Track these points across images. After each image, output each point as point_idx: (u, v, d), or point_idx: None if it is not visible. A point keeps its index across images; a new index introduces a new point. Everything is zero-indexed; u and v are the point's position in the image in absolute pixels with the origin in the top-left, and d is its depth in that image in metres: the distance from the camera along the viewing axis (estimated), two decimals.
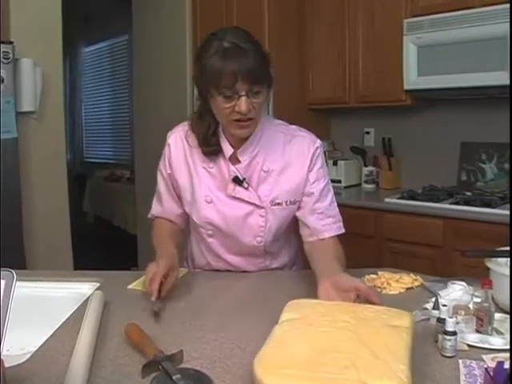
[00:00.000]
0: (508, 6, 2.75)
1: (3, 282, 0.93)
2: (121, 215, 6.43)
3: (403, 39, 3.31)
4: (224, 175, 1.70)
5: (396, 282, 1.65)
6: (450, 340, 1.14)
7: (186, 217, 1.82)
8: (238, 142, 1.67)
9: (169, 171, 1.78)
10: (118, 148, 7.46)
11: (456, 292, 1.44)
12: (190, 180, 1.73)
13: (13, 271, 0.95)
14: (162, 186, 1.83)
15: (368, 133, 4.13)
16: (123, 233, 6.24)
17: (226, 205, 1.70)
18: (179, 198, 1.81)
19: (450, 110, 3.61)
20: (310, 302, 1.28)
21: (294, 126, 1.80)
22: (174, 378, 1.01)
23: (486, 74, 2.94)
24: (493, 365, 0.93)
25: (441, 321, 1.19)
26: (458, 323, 1.23)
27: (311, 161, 1.72)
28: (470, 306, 1.35)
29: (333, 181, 3.79)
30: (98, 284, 1.70)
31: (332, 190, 1.79)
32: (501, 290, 1.36)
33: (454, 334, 1.14)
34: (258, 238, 1.74)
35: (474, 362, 1.11)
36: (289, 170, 1.71)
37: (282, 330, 1.13)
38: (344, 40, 3.75)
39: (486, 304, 1.26)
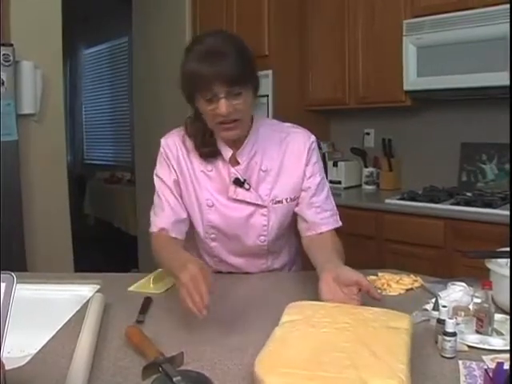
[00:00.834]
0: (508, 6, 2.75)
1: (3, 284, 0.94)
2: (121, 217, 6.43)
3: (403, 40, 3.31)
4: (223, 178, 1.69)
5: (396, 283, 1.65)
6: (449, 341, 1.14)
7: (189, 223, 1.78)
8: (235, 144, 1.67)
9: (175, 177, 1.71)
10: (118, 150, 7.46)
11: (456, 293, 1.44)
12: (190, 185, 1.71)
13: (13, 274, 0.95)
14: (166, 193, 1.71)
15: (368, 134, 4.13)
16: (124, 234, 6.25)
17: (227, 207, 1.70)
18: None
19: (450, 110, 3.61)
20: (311, 303, 1.28)
21: (288, 124, 1.80)
22: (174, 380, 1.01)
23: (486, 75, 2.94)
24: (493, 366, 0.93)
25: (441, 322, 1.19)
26: (457, 324, 1.23)
27: (307, 156, 1.73)
28: (470, 306, 1.35)
29: (333, 182, 3.84)
30: (99, 286, 1.71)
31: (327, 184, 1.81)
32: (501, 290, 1.36)
33: (453, 334, 1.14)
34: (262, 238, 1.74)
35: (473, 362, 1.11)
36: (287, 168, 1.72)
37: (283, 331, 1.13)
38: (344, 41, 3.75)
39: (486, 305, 1.26)
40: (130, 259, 5.25)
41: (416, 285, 1.66)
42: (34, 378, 1.08)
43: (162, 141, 1.75)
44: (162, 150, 1.74)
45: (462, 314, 1.32)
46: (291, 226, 1.83)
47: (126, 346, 1.23)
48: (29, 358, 1.18)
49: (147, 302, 1.54)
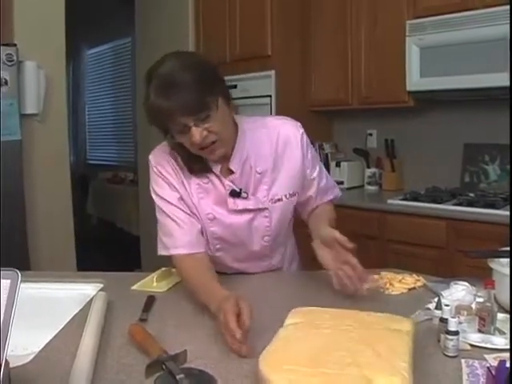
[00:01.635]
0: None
1: (8, 281, 0.94)
2: (124, 217, 6.43)
3: (406, 41, 3.31)
4: (219, 190, 1.66)
5: (399, 283, 1.65)
6: (452, 340, 1.14)
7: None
8: (223, 159, 1.62)
9: (177, 194, 1.65)
10: (121, 150, 7.46)
11: (458, 292, 1.44)
12: (189, 199, 1.66)
13: (17, 271, 0.95)
14: (174, 210, 1.65)
15: (371, 134, 4.13)
16: (126, 234, 6.25)
17: (229, 218, 1.67)
18: None
19: (452, 111, 3.61)
20: (314, 309, 1.29)
21: (269, 117, 1.80)
22: (177, 377, 1.02)
23: (488, 76, 2.94)
24: (495, 364, 0.93)
25: (443, 321, 1.19)
26: (460, 323, 1.24)
27: (302, 148, 1.71)
28: (473, 306, 1.35)
29: (336, 182, 3.83)
30: (102, 285, 1.71)
31: (321, 163, 1.86)
32: (503, 290, 1.36)
33: (456, 333, 1.15)
34: (266, 238, 1.74)
35: (476, 361, 1.12)
36: (282, 164, 1.69)
37: (287, 332, 1.14)
38: (346, 41, 3.75)
39: (488, 304, 1.26)
40: (132, 259, 5.25)
41: (418, 284, 1.66)
42: (38, 376, 1.09)
43: (152, 159, 1.69)
44: (154, 169, 1.67)
45: (465, 313, 1.32)
46: (291, 220, 1.84)
47: (130, 344, 1.24)
48: (32, 356, 1.19)
49: (150, 300, 1.55)
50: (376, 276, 1.72)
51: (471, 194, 3.20)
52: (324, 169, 1.86)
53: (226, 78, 1.60)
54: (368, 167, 3.97)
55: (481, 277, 1.45)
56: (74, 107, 7.95)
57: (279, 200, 1.70)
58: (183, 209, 1.65)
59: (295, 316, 1.22)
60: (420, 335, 1.20)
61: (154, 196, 1.68)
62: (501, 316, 1.31)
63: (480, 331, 1.25)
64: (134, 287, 1.71)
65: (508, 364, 0.88)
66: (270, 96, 3.85)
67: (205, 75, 1.46)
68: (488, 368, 0.94)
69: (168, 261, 1.92)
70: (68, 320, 1.42)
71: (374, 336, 1.09)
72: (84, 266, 3.62)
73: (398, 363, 0.96)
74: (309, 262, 1.67)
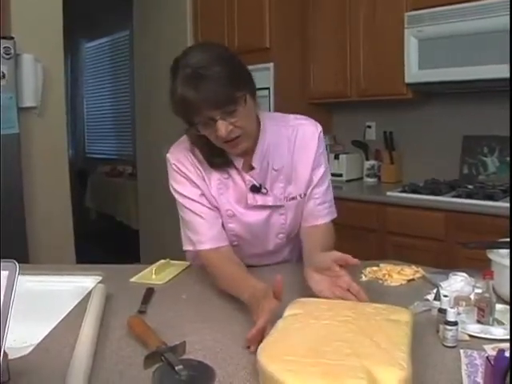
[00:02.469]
0: None
1: (6, 272, 0.94)
2: (123, 210, 6.43)
3: (404, 32, 3.30)
4: (239, 185, 1.65)
5: (397, 274, 1.65)
6: (451, 330, 1.15)
7: None
8: (244, 153, 1.61)
9: (198, 191, 1.64)
10: (119, 143, 7.45)
11: (457, 283, 1.44)
12: (210, 195, 1.65)
13: (16, 262, 0.95)
14: (197, 207, 1.64)
15: (369, 127, 4.12)
16: (125, 228, 6.25)
17: (247, 215, 1.67)
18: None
19: (451, 103, 3.61)
20: (313, 300, 1.29)
21: (292, 116, 1.75)
22: (176, 368, 1.02)
23: (487, 67, 2.94)
24: (494, 354, 0.93)
25: (442, 311, 1.19)
26: (459, 314, 1.24)
27: (316, 148, 1.69)
28: (472, 296, 1.36)
29: (334, 174, 3.84)
30: (101, 277, 1.71)
31: (329, 174, 1.79)
32: (502, 281, 1.37)
33: (455, 324, 1.15)
34: (280, 235, 1.75)
35: (475, 351, 1.12)
36: (298, 164, 1.68)
37: (286, 323, 1.14)
38: (345, 34, 3.74)
39: (487, 295, 1.26)
40: (131, 253, 5.26)
41: (417, 275, 1.66)
42: (37, 368, 1.09)
43: (171, 157, 1.66)
44: (173, 166, 1.65)
45: (464, 303, 1.33)
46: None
47: (128, 336, 1.24)
48: (31, 349, 1.19)
49: (149, 292, 1.55)
50: (375, 268, 1.72)
51: (470, 186, 3.20)
52: (330, 182, 1.79)
53: None
54: (367, 159, 3.98)
55: (480, 268, 1.45)
56: (73, 101, 7.94)
57: (294, 199, 1.70)
58: (205, 204, 1.64)
59: (294, 307, 1.22)
60: (419, 326, 1.20)
61: (174, 194, 1.67)
62: (499, 307, 1.31)
63: (479, 322, 1.25)
64: (133, 279, 1.71)
65: (507, 354, 0.88)
66: (269, 89, 3.84)
67: (234, 69, 1.45)
68: (487, 358, 0.94)
69: (167, 255, 1.93)
70: (67, 312, 1.42)
71: (373, 327, 1.08)
72: (83, 259, 3.62)
73: (396, 354, 0.96)
74: None
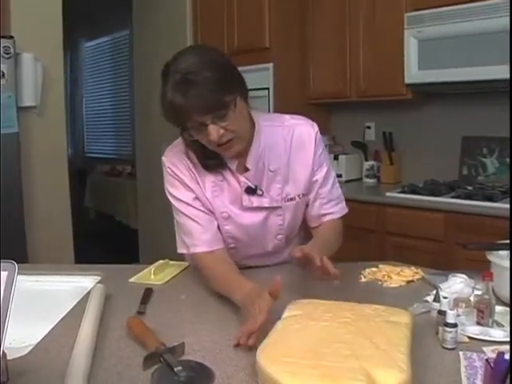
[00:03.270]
0: None
1: (5, 273, 0.94)
2: (122, 210, 6.43)
3: (404, 33, 3.30)
4: (234, 187, 1.65)
5: (397, 275, 1.65)
6: (450, 332, 1.15)
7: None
8: (239, 155, 1.60)
9: (193, 194, 1.64)
10: (119, 143, 7.45)
11: (457, 284, 1.44)
12: (204, 198, 1.64)
13: (14, 263, 0.95)
14: (191, 211, 1.64)
15: (369, 127, 4.12)
16: (124, 228, 6.25)
17: (243, 217, 1.67)
18: None
19: (451, 104, 3.60)
20: (312, 301, 1.28)
21: (287, 116, 1.75)
22: (175, 369, 1.02)
23: (487, 68, 2.93)
24: (493, 356, 0.93)
25: (441, 313, 1.19)
26: (458, 315, 1.24)
27: (314, 148, 1.69)
28: (471, 298, 1.35)
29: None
30: (100, 277, 1.71)
31: (333, 172, 1.80)
32: (502, 282, 1.37)
33: (454, 326, 1.15)
34: (279, 236, 1.74)
35: (474, 353, 1.12)
36: (295, 164, 1.68)
37: (285, 324, 1.14)
38: (345, 34, 3.74)
39: (486, 296, 1.26)
40: (130, 253, 5.25)
41: (417, 277, 1.66)
42: (35, 368, 1.09)
43: (166, 160, 1.67)
44: (168, 169, 1.65)
45: (463, 305, 1.33)
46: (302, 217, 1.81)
47: (127, 337, 1.24)
48: (30, 349, 1.18)
49: (148, 292, 1.55)
50: (374, 269, 1.72)
51: (469, 187, 3.20)
52: (334, 178, 1.80)
53: None
54: (366, 160, 3.97)
55: (479, 269, 1.45)
56: (72, 100, 7.93)
57: (292, 199, 1.70)
58: (199, 208, 1.64)
59: (293, 308, 1.22)
60: (418, 328, 1.20)
61: (169, 197, 1.67)
62: (499, 308, 1.31)
63: (478, 324, 1.25)
64: (132, 280, 1.71)
65: (506, 356, 0.88)
66: (268, 89, 3.84)
67: (224, 73, 1.43)
68: (487, 360, 0.94)
69: (166, 254, 1.93)
70: (66, 312, 1.42)
71: (373, 328, 1.08)
72: (82, 259, 3.62)
73: (396, 355, 0.96)
74: None
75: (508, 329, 1.22)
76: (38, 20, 3.66)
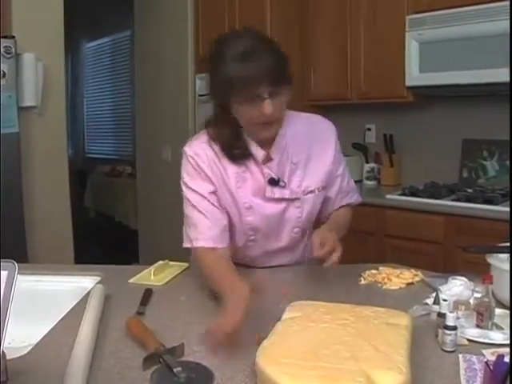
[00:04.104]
0: (509, 2, 2.75)
1: (5, 272, 0.94)
2: (122, 211, 6.43)
3: (405, 36, 3.30)
4: (257, 178, 1.67)
5: (396, 278, 1.65)
6: (450, 335, 1.14)
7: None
8: (265, 143, 1.64)
9: (211, 187, 1.64)
10: (119, 143, 7.45)
11: (457, 287, 1.44)
12: (226, 190, 1.66)
13: (14, 262, 0.95)
14: (204, 205, 1.64)
15: (369, 129, 4.12)
16: (124, 228, 6.25)
17: (264, 207, 1.68)
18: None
19: (451, 106, 3.61)
20: (312, 303, 1.28)
21: (304, 114, 1.80)
22: (174, 370, 1.02)
23: (488, 71, 2.94)
24: (493, 359, 0.93)
25: (441, 315, 1.19)
26: (458, 318, 1.24)
27: (335, 143, 1.77)
28: (471, 301, 1.36)
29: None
30: (99, 278, 1.71)
31: (347, 167, 1.89)
32: (501, 285, 1.37)
33: (454, 328, 1.15)
34: (296, 229, 1.76)
35: (474, 356, 1.12)
36: (315, 158, 1.72)
37: (285, 326, 1.14)
38: (346, 36, 3.74)
39: (486, 299, 1.26)
40: (130, 253, 5.25)
41: (416, 279, 1.66)
42: (35, 368, 1.09)
43: (188, 150, 1.67)
44: (190, 159, 1.65)
45: (463, 308, 1.33)
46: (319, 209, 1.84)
47: (127, 337, 1.24)
48: (30, 349, 1.18)
49: (148, 293, 1.55)
50: (374, 271, 1.72)
51: (469, 190, 3.20)
52: (347, 170, 1.88)
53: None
54: (367, 162, 3.97)
55: (479, 272, 1.45)
56: (73, 100, 7.94)
57: (311, 192, 1.72)
58: (213, 202, 1.64)
59: (293, 310, 1.22)
60: (418, 330, 1.20)
61: (183, 188, 1.68)
62: (499, 311, 1.31)
63: (478, 326, 1.25)
64: (132, 280, 1.71)
65: (506, 359, 0.88)
66: None
67: (282, 52, 1.52)
68: (486, 363, 0.94)
69: (166, 255, 1.92)
70: (65, 313, 1.41)
71: (372, 330, 1.08)
72: (82, 259, 3.62)
73: (395, 357, 0.96)
74: None
75: (507, 331, 1.22)
76: (39, 20, 3.66)
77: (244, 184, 1.67)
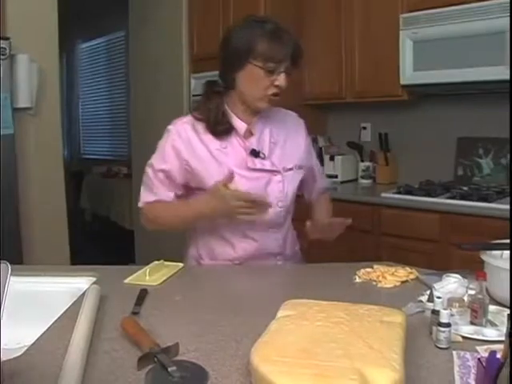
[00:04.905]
0: (504, 0, 2.76)
1: None
2: (118, 211, 6.43)
3: (399, 34, 3.31)
4: (239, 151, 1.82)
5: (391, 275, 1.66)
6: (444, 332, 1.15)
7: None
8: (248, 118, 1.84)
9: (176, 164, 1.83)
10: (115, 144, 7.45)
11: (451, 284, 1.44)
12: (209, 164, 1.80)
13: (7, 263, 0.95)
14: (158, 179, 1.87)
15: (365, 128, 4.13)
16: (120, 229, 6.25)
17: (247, 179, 1.80)
18: (187, 188, 1.88)
19: (446, 104, 3.61)
20: (306, 301, 1.28)
21: (283, 109, 2.03)
22: (169, 370, 1.01)
23: (482, 69, 2.94)
24: (486, 355, 0.93)
25: (435, 313, 1.19)
26: (452, 315, 1.24)
27: (305, 133, 2.02)
28: (465, 298, 1.36)
29: (329, 176, 3.84)
30: (95, 278, 1.70)
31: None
32: (495, 282, 1.37)
33: (448, 325, 1.15)
34: (280, 203, 1.86)
35: (467, 353, 1.12)
36: (291, 139, 1.93)
37: (279, 324, 1.14)
38: (340, 35, 3.75)
39: (480, 296, 1.27)
40: (126, 253, 5.25)
41: (411, 277, 1.67)
42: (30, 368, 1.09)
43: (171, 127, 1.86)
44: (170, 135, 1.84)
45: (457, 305, 1.33)
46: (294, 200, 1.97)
47: (122, 337, 1.24)
48: (24, 350, 1.18)
49: (143, 293, 1.55)
50: (369, 269, 1.73)
51: (465, 188, 3.21)
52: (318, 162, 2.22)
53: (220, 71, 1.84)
54: (362, 161, 3.98)
55: (473, 269, 1.45)
56: (68, 101, 7.94)
57: (290, 169, 1.89)
58: (162, 179, 1.86)
59: (287, 308, 1.22)
60: (412, 327, 1.20)
61: (156, 153, 1.90)
62: (492, 308, 1.31)
63: (472, 323, 1.26)
64: (127, 280, 1.70)
65: (498, 355, 0.88)
66: None
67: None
68: (479, 359, 0.94)
69: (162, 255, 1.92)
70: (61, 313, 1.41)
71: (366, 328, 1.09)
72: (78, 260, 3.62)
73: (389, 355, 0.96)
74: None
75: (501, 328, 1.22)
76: (33, 21, 3.65)
77: (226, 158, 1.81)
